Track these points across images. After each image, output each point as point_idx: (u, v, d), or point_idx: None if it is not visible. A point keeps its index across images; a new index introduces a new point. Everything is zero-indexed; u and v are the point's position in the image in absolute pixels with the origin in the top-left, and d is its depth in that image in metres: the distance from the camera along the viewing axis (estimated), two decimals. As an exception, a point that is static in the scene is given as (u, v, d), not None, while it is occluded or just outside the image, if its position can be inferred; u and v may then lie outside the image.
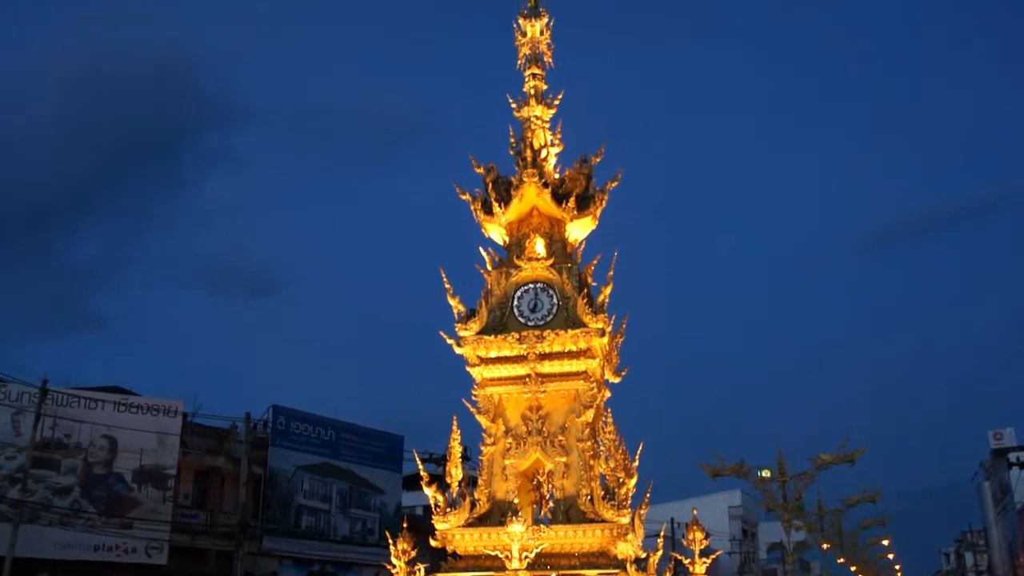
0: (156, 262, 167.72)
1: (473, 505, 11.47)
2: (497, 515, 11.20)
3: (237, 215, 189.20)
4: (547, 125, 13.10)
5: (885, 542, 68.81)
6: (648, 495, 11.81)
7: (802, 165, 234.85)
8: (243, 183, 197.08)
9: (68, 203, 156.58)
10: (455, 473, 11.86)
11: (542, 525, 11.32)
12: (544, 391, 11.60)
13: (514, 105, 13.16)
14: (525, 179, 12.18)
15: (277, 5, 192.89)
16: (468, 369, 11.99)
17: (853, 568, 71.69)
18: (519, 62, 13.42)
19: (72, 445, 31.05)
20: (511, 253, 12.44)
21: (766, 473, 36.50)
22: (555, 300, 11.88)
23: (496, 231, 12.74)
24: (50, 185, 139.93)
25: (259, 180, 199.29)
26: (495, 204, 12.41)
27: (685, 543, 11.82)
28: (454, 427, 11.96)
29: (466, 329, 11.85)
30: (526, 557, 9.82)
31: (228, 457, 35.21)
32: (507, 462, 11.54)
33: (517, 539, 9.64)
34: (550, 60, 13.46)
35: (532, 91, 13.14)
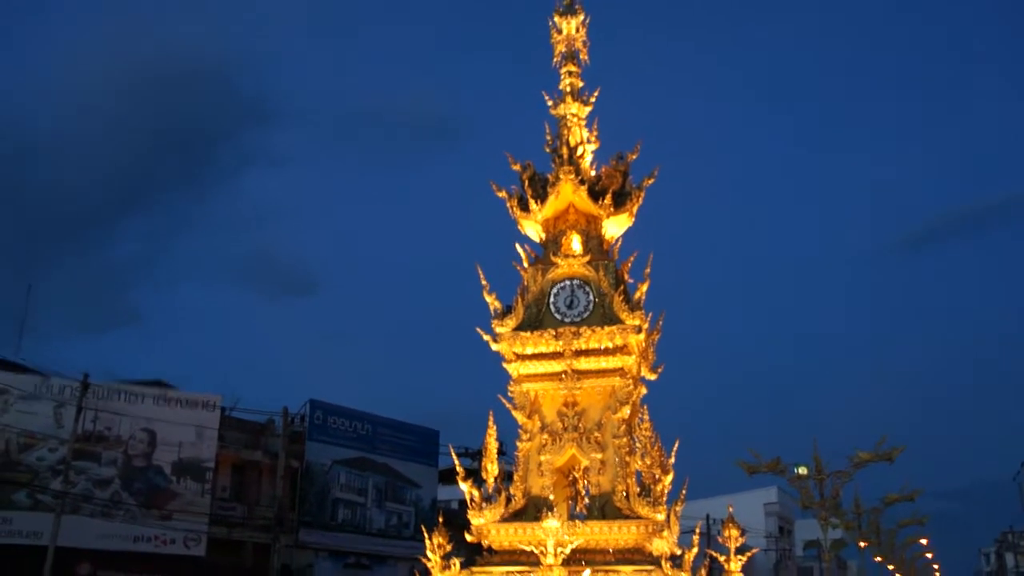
0: (194, 259, 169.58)
1: (509, 500, 11.52)
2: (532, 511, 11.24)
3: (273, 213, 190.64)
4: (583, 122, 13.10)
5: (923, 541, 68.02)
6: (684, 492, 11.81)
7: (848, 162, 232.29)
8: (279, 182, 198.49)
9: (110, 203, 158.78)
10: (491, 468, 11.91)
11: (577, 521, 11.34)
12: (580, 387, 11.62)
13: (550, 103, 13.17)
14: (561, 176, 12.20)
15: (314, 6, 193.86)
16: (504, 365, 12.02)
17: (891, 567, 70.90)
18: (555, 59, 13.42)
19: (112, 438, 31.48)
20: (547, 250, 12.46)
21: (803, 470, 36.22)
22: (592, 297, 11.89)
23: (532, 228, 12.76)
24: (93, 186, 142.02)
25: (295, 179, 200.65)
26: (531, 201, 12.43)
27: (721, 540, 11.81)
28: (490, 422, 12.02)
29: (502, 325, 11.90)
30: (561, 553, 9.85)
31: (265, 451, 35.53)
32: (543, 458, 11.57)
33: (552, 535, 9.68)
34: (586, 57, 13.44)
35: (568, 88, 13.14)
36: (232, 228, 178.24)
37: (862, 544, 50.37)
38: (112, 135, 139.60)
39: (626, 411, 11.52)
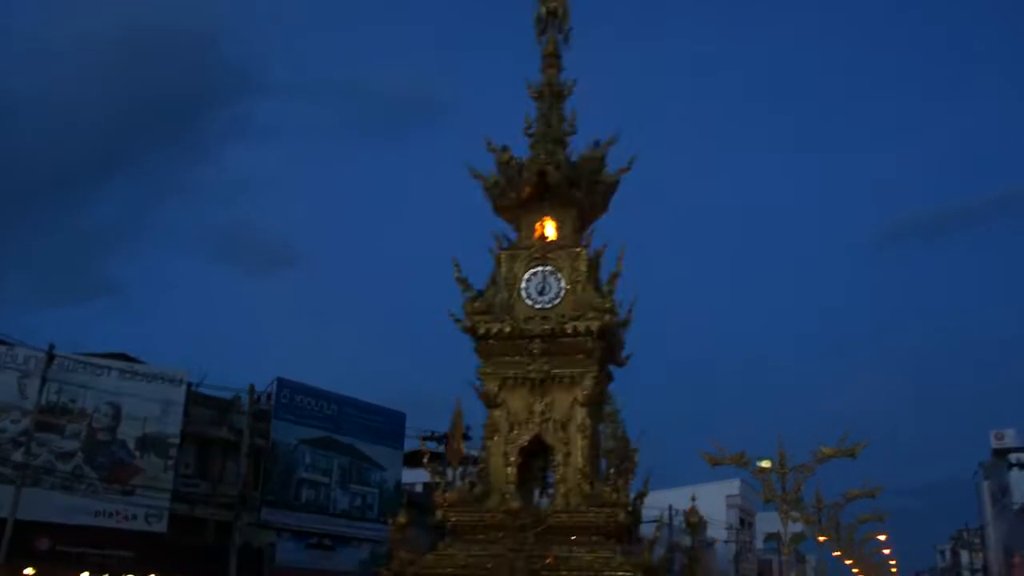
0: (172, 230, 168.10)
1: (473, 484, 11.55)
2: (497, 494, 11.28)
3: (254, 186, 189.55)
4: (562, 110, 13.09)
5: (882, 537, 68.84)
6: (647, 481, 11.88)
7: (825, 159, 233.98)
8: (261, 155, 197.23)
9: (87, 170, 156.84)
10: (457, 452, 11.94)
11: (541, 507, 11.40)
12: (548, 374, 11.64)
13: (530, 89, 13.16)
14: (538, 162, 12.19)
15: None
16: (474, 350, 12.03)
17: (849, 562, 71.77)
18: (539, 43, 13.39)
19: (76, 410, 31.20)
20: (521, 235, 12.47)
21: (766, 464, 36.57)
22: (563, 284, 11.91)
23: (508, 213, 12.76)
24: (70, 152, 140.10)
25: (277, 152, 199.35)
26: (508, 186, 12.43)
27: (683, 529, 11.90)
28: (457, 407, 12.03)
29: (473, 310, 11.90)
30: (525, 535, 9.89)
31: (231, 428, 35.36)
32: (509, 443, 11.59)
33: (516, 517, 9.71)
34: (567, 38, 13.41)
35: (549, 77, 13.13)
36: (212, 199, 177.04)
37: (821, 538, 50.92)
38: (91, 99, 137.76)
39: (593, 399, 11.56)
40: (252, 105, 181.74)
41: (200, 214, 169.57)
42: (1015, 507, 63.46)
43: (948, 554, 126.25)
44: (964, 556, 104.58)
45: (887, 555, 77.89)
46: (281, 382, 37.18)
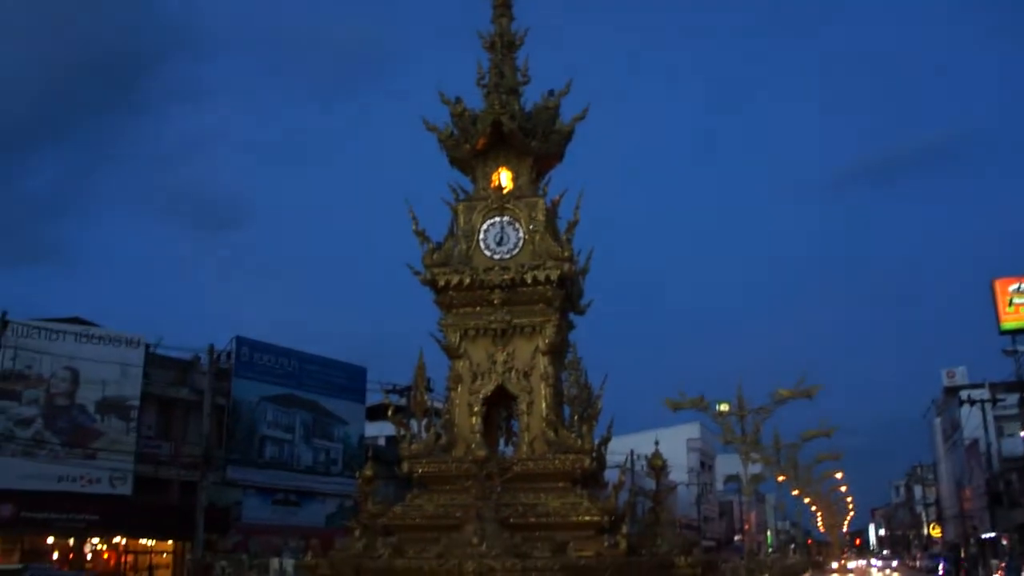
0: (118, 193, 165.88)
1: (439, 435, 11.65)
2: (462, 444, 11.39)
3: (199, 145, 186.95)
4: (515, 60, 13.04)
5: (839, 475, 70.53)
6: (610, 427, 12.04)
7: (775, 106, 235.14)
8: (206, 113, 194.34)
9: (23, 130, 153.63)
10: (420, 403, 12.02)
11: (506, 455, 11.53)
12: (509, 323, 11.72)
13: (483, 39, 13.07)
14: (492, 113, 12.16)
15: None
16: (434, 302, 12.07)
17: (807, 500, 73.28)
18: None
19: (33, 376, 30.95)
20: (478, 186, 12.47)
21: (724, 407, 37.23)
22: (521, 234, 11.95)
23: (463, 164, 12.74)
24: (5, 114, 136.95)
25: (222, 110, 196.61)
26: (462, 137, 12.40)
27: (645, 473, 12.10)
28: (420, 359, 12.08)
29: (432, 262, 11.92)
30: (492, 486, 10.01)
31: (191, 388, 35.27)
32: (472, 393, 11.69)
33: (481, 467, 9.82)
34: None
35: (500, 26, 13.04)
36: (157, 160, 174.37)
37: (780, 478, 52.09)
38: (26, 59, 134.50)
39: (555, 346, 11.67)
40: (194, 63, 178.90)
41: (145, 175, 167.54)
42: (966, 443, 65.13)
43: (902, 489, 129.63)
44: (917, 491, 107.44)
45: (844, 492, 79.57)
46: (240, 340, 37.09)
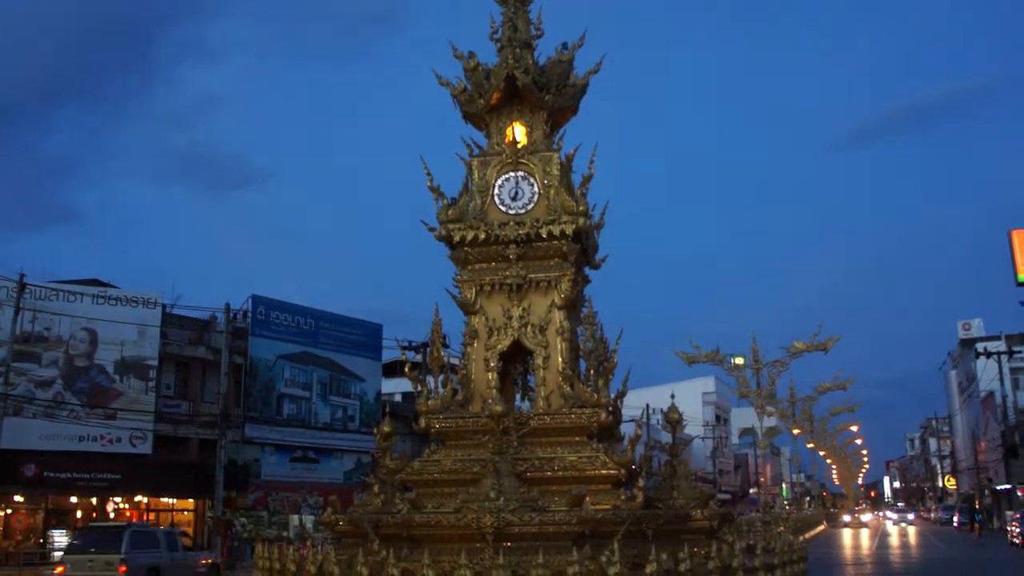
0: (131, 154, 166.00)
1: (455, 391, 11.68)
2: (479, 400, 11.42)
3: (211, 106, 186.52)
4: (528, 13, 12.89)
5: (854, 428, 70.60)
6: (626, 381, 12.06)
7: (786, 65, 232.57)
8: (218, 74, 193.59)
9: (38, 96, 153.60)
10: (436, 359, 12.05)
11: (523, 410, 11.57)
12: (524, 278, 11.70)
13: (495, -8, 12.91)
14: (506, 67, 12.05)
15: None
16: (449, 258, 12.05)
17: (822, 453, 73.37)
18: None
19: (52, 338, 31.17)
20: (492, 141, 12.39)
21: (739, 360, 37.25)
22: (536, 188, 11.89)
23: (477, 120, 12.66)
24: (18, 78, 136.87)
25: (234, 71, 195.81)
26: (475, 92, 12.30)
27: (661, 427, 12.13)
28: (436, 314, 12.09)
29: (447, 218, 11.88)
30: (509, 441, 10.06)
31: (209, 347, 35.44)
32: (488, 349, 11.70)
33: (498, 421, 9.85)
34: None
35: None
36: (170, 122, 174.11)
37: (796, 431, 52.17)
38: (37, 22, 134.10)
39: (570, 301, 11.66)
40: (205, 24, 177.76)
41: (158, 137, 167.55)
42: (982, 395, 65.05)
43: (917, 442, 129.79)
44: (932, 443, 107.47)
45: (859, 445, 79.61)
46: (256, 299, 37.24)
